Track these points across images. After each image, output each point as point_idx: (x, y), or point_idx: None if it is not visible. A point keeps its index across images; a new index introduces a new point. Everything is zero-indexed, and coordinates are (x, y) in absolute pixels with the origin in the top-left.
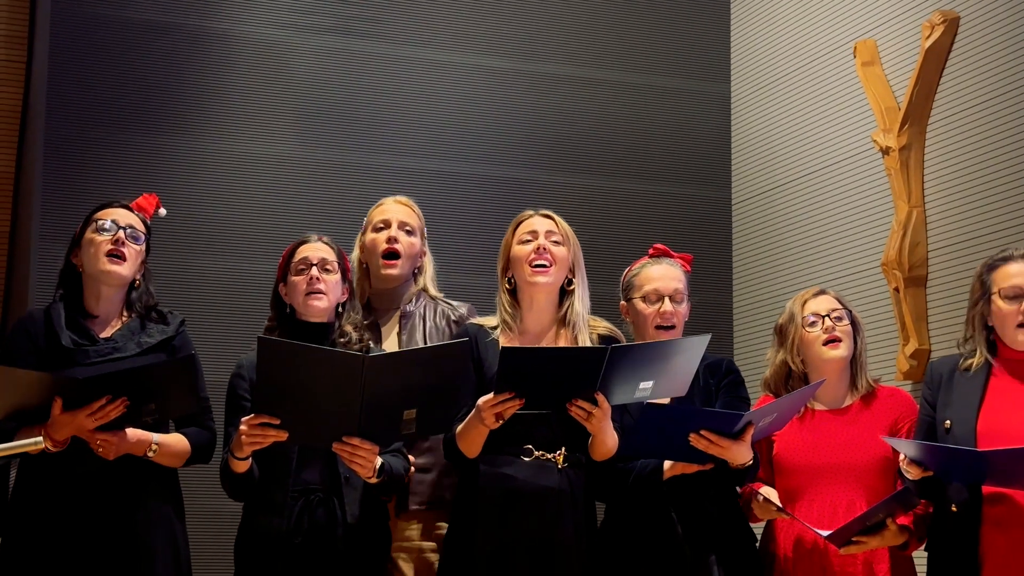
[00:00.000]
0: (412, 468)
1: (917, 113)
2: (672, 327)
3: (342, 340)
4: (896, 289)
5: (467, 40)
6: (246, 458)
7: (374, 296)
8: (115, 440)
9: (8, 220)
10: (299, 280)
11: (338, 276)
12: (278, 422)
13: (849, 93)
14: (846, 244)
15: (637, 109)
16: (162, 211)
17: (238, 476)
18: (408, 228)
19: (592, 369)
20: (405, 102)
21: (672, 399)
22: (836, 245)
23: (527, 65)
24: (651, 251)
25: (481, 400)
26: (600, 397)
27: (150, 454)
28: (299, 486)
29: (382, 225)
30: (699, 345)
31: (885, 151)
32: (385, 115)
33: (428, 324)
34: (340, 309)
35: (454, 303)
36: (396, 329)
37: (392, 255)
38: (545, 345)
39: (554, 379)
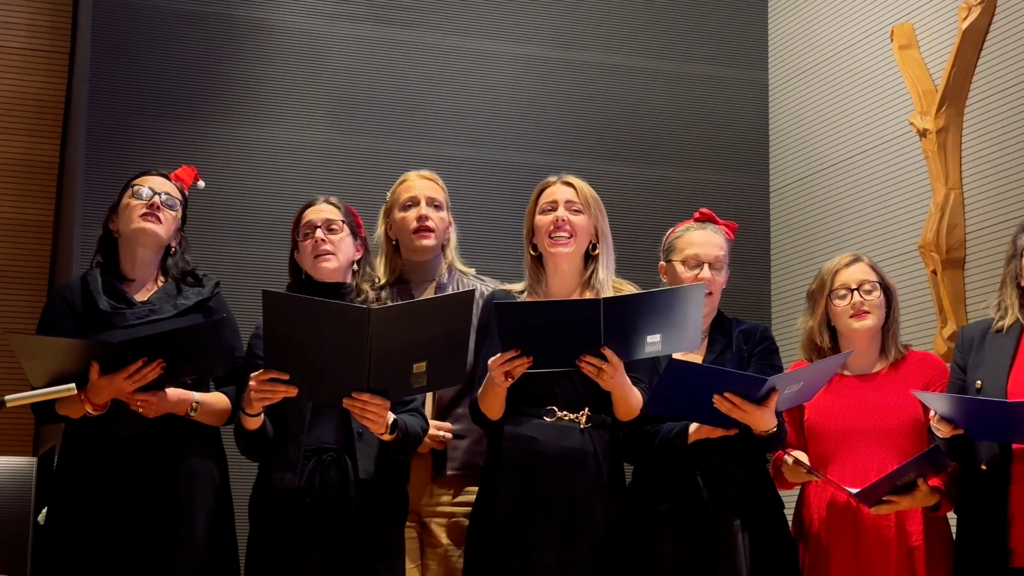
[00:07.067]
0: (451, 435)
1: (954, 95)
2: (708, 293)
3: (359, 299)
4: (934, 272)
5: (503, 28)
6: (257, 414)
7: (407, 269)
8: (155, 400)
9: (52, 209)
10: (307, 244)
11: (346, 234)
12: (287, 377)
13: (886, 77)
14: (884, 228)
15: (675, 97)
16: (200, 183)
17: (250, 433)
18: (436, 203)
19: (591, 322)
20: (441, 90)
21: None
22: (874, 229)
23: (564, 53)
24: (696, 215)
25: (490, 360)
26: (608, 352)
27: (192, 413)
28: (313, 444)
29: (410, 203)
30: (694, 293)
31: (922, 134)
32: (421, 103)
33: None
34: (356, 268)
35: (485, 279)
36: None
37: (424, 230)
38: None
39: (555, 334)
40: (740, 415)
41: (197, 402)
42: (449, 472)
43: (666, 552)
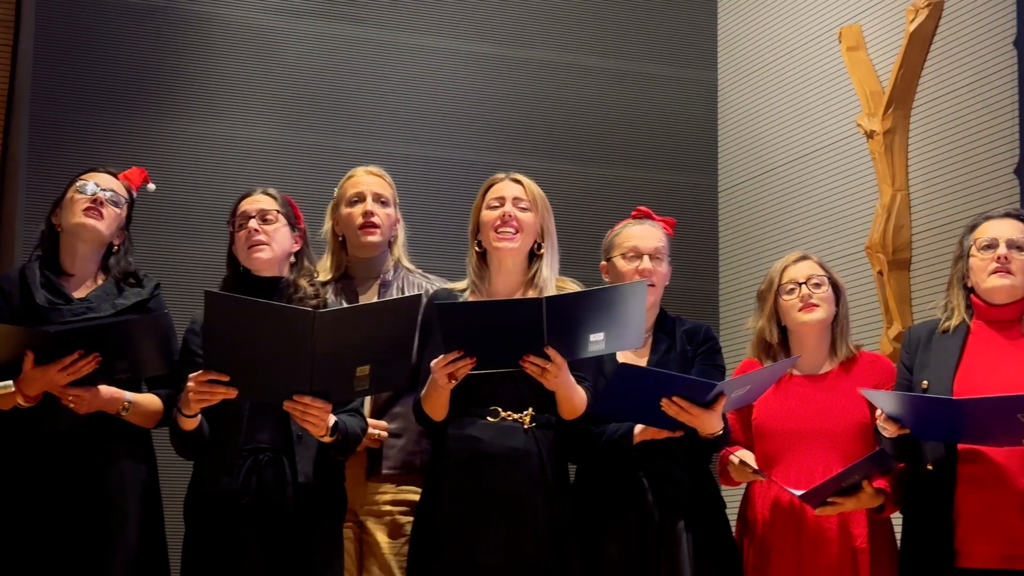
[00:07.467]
0: (385, 433)
1: (901, 97)
2: (651, 284)
3: (297, 295)
4: (880, 272)
5: (452, 25)
6: (194, 415)
7: (352, 265)
8: (87, 396)
9: None
10: (241, 235)
11: (281, 224)
12: (227, 379)
13: (835, 78)
14: (831, 229)
15: (624, 96)
16: (150, 186)
17: (187, 434)
18: (383, 199)
19: (534, 322)
20: (389, 87)
21: (651, 365)
22: (821, 230)
23: (513, 51)
24: (634, 213)
25: (433, 361)
26: (551, 351)
27: (123, 412)
28: (250, 445)
29: (356, 198)
30: (637, 291)
31: (869, 135)
32: (369, 100)
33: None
34: (294, 260)
35: (431, 276)
36: (375, 298)
37: (370, 226)
38: None
39: (498, 334)
40: (688, 419)
41: (129, 402)
42: (385, 471)
43: (611, 553)
